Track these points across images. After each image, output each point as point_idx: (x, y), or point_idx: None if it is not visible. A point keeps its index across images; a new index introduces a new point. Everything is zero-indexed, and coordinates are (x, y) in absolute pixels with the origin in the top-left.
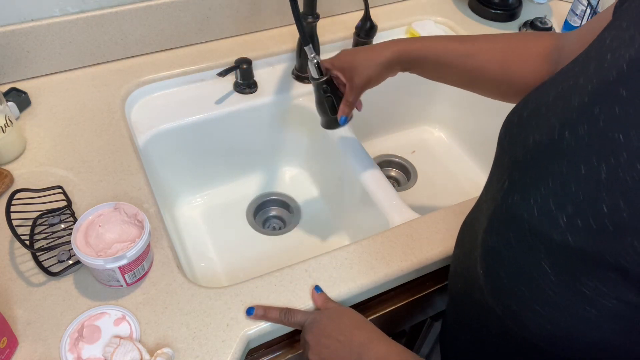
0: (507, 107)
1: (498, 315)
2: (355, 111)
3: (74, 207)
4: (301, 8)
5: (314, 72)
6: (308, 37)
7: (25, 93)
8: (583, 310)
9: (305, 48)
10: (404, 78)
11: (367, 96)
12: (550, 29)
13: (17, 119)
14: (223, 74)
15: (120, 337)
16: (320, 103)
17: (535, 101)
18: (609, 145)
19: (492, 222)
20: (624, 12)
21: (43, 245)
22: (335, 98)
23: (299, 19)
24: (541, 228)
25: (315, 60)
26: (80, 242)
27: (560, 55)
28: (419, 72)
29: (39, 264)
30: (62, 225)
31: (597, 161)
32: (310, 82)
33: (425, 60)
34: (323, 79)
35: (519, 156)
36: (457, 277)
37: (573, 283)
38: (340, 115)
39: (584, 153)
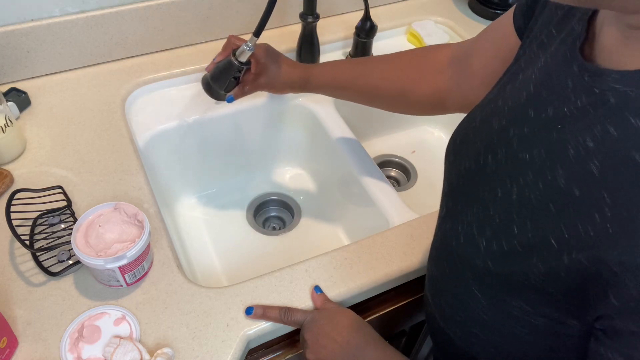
0: None
1: (454, 343)
2: (355, 111)
3: (74, 207)
4: (301, 8)
5: (242, 57)
6: (261, 32)
7: (25, 93)
8: (515, 330)
9: (254, 37)
10: None
11: None
12: None
13: (17, 119)
14: None
15: (120, 337)
16: (223, 77)
17: (465, 127)
18: (519, 166)
19: (432, 250)
20: (529, 31)
21: (43, 245)
22: (237, 81)
23: (269, 11)
24: (466, 255)
25: (251, 51)
26: (80, 242)
27: (460, 63)
28: (324, 94)
29: (39, 264)
30: (62, 225)
31: (510, 183)
32: None
33: (325, 86)
34: (244, 67)
35: (453, 183)
36: (426, 300)
37: (501, 305)
38: (231, 95)
39: (501, 176)
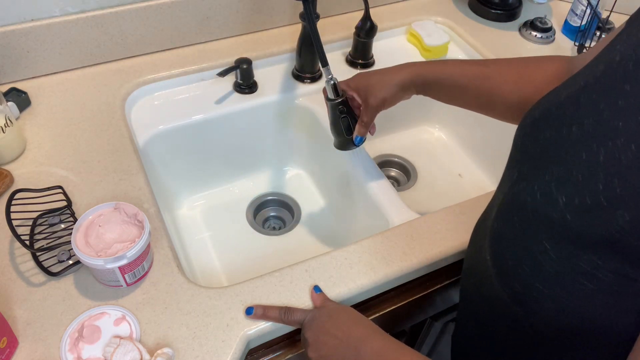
0: None
1: (506, 303)
2: None
3: (74, 207)
4: (301, 8)
5: (330, 93)
6: (326, 59)
7: (25, 93)
8: (581, 284)
9: (323, 69)
10: None
11: None
12: (550, 29)
13: (17, 119)
14: (223, 74)
15: (120, 337)
16: (335, 123)
17: (546, 103)
18: (609, 132)
19: (499, 210)
20: (635, 19)
21: (43, 245)
22: (350, 119)
23: (318, 40)
24: (542, 209)
25: (332, 82)
26: (80, 242)
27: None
28: (433, 95)
29: (39, 264)
30: (62, 225)
31: (596, 147)
32: (309, 83)
33: (441, 83)
34: (339, 100)
35: (529, 152)
36: (468, 274)
37: (571, 258)
38: (355, 135)
39: (586, 142)
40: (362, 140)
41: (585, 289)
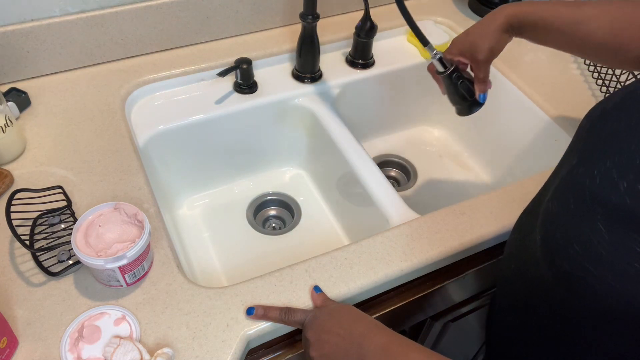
0: (506, 109)
1: (549, 285)
2: (355, 111)
3: (74, 207)
4: (301, 8)
5: (439, 67)
6: (426, 38)
7: (25, 93)
8: (632, 267)
9: (426, 48)
10: (403, 78)
11: (367, 97)
12: None
13: (17, 119)
14: (223, 74)
15: (120, 337)
16: (455, 92)
17: (621, 95)
18: None
19: (555, 191)
20: None
21: (43, 245)
22: (467, 82)
23: (412, 21)
24: (601, 192)
25: (438, 56)
26: (80, 242)
27: None
28: (528, 37)
29: (39, 264)
30: (62, 225)
31: None
32: (309, 83)
33: (535, 25)
34: (452, 69)
35: (593, 141)
36: (510, 260)
37: (626, 241)
38: (478, 94)
39: None
40: (485, 97)
41: (636, 272)
